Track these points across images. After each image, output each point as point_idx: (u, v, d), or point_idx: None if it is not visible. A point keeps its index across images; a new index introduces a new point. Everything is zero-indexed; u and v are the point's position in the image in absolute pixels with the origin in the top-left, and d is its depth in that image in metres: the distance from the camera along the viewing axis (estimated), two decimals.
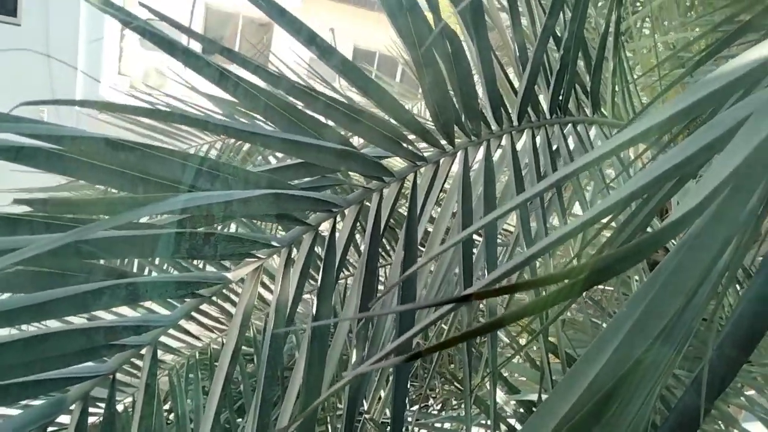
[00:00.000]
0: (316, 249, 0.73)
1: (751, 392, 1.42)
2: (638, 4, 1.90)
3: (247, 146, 2.25)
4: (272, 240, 0.59)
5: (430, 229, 0.84)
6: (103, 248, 0.40)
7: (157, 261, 1.63)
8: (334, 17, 8.99)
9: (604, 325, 1.32)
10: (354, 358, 0.70)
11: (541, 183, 0.31)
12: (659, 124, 0.32)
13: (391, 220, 0.75)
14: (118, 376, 0.56)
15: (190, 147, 2.37)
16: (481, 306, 0.97)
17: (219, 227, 0.49)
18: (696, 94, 0.34)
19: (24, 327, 0.43)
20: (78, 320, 0.47)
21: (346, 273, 1.78)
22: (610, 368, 0.29)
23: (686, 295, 0.31)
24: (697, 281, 0.30)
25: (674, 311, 0.30)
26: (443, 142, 0.77)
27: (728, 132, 0.33)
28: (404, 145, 0.69)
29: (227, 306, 1.80)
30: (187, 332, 1.76)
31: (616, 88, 1.11)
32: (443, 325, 1.02)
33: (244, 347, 1.83)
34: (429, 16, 0.67)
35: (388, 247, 1.88)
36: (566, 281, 0.20)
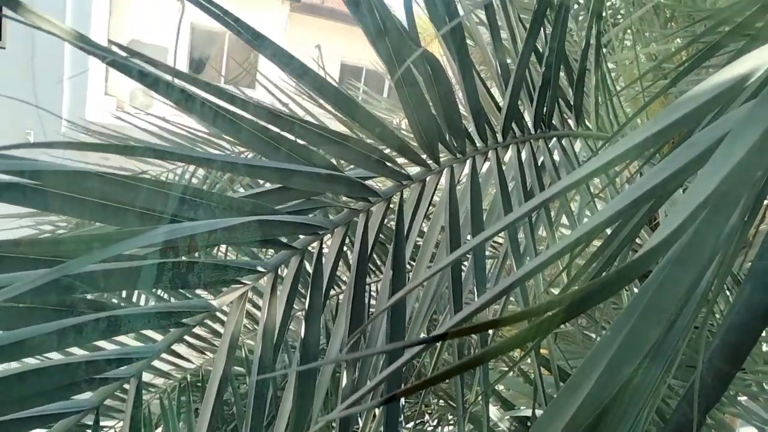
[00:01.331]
0: (305, 266, 0.73)
1: (743, 398, 1.42)
2: (619, 16, 1.92)
3: None
4: (258, 265, 0.58)
5: (420, 243, 0.84)
6: (84, 282, 0.39)
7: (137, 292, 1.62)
8: (321, 34, 9.05)
9: (594, 336, 1.32)
10: (345, 380, 0.70)
11: (528, 204, 0.31)
12: (634, 147, 0.32)
13: (380, 236, 0.75)
14: (106, 402, 0.55)
15: (177, 167, 2.36)
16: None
17: (201, 255, 0.49)
18: (672, 115, 0.34)
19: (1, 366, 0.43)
20: (57, 355, 0.46)
21: (337, 290, 1.77)
22: (597, 393, 0.28)
23: (670, 317, 0.31)
24: (680, 302, 0.30)
25: (658, 333, 0.30)
26: (428, 160, 0.77)
27: (706, 151, 0.34)
28: (389, 165, 0.69)
29: (217, 327, 1.78)
30: (178, 355, 1.74)
31: (600, 101, 1.12)
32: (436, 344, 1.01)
33: (236, 368, 1.81)
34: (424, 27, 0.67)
35: (379, 262, 1.87)
36: (547, 314, 0.20)
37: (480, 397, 0.71)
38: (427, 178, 0.79)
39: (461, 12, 0.87)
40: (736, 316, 0.61)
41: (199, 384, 1.69)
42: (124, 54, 0.39)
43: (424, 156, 0.77)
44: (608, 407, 0.29)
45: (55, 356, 0.46)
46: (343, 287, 1.78)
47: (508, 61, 0.95)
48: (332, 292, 1.72)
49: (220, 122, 0.47)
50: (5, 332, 0.38)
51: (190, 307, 0.52)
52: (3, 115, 6.17)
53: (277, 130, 0.51)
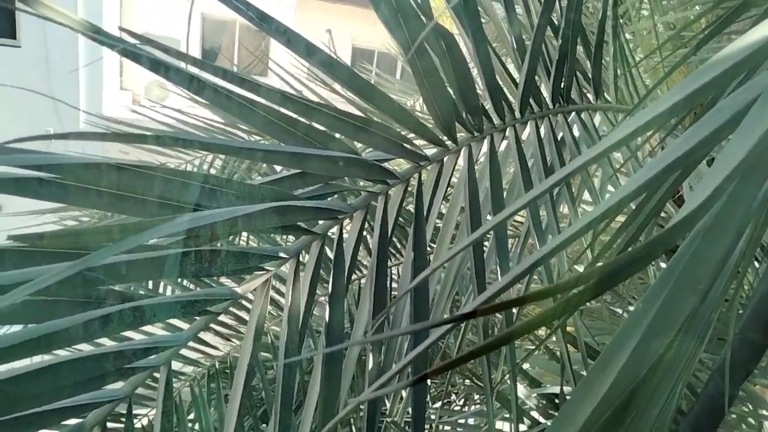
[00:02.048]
0: (326, 251, 0.73)
1: None
2: None
3: None
4: (279, 251, 0.59)
5: (440, 225, 0.83)
6: (109, 273, 0.40)
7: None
8: (331, 18, 8.98)
9: (621, 311, 1.30)
10: (371, 363, 0.70)
11: (549, 179, 0.31)
12: (660, 115, 0.31)
13: (400, 219, 0.74)
14: (137, 390, 0.56)
15: (194, 158, 2.37)
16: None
17: (223, 244, 0.49)
18: (698, 81, 0.33)
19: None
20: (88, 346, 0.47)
21: (359, 274, 1.77)
22: (630, 368, 0.28)
23: (702, 289, 0.30)
24: (713, 274, 0.29)
25: (691, 306, 0.29)
26: (445, 140, 0.76)
27: (734, 116, 0.32)
28: (406, 146, 0.68)
29: (242, 314, 1.80)
30: (205, 343, 1.76)
31: (618, 73, 1.10)
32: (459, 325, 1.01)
33: (263, 353, 1.83)
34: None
35: (399, 246, 1.87)
36: (574, 290, 0.20)
37: (507, 376, 0.71)
38: (445, 158, 0.78)
39: None
40: (767, 287, 0.59)
41: (227, 371, 1.72)
42: (135, 42, 0.39)
43: (441, 136, 0.76)
44: (641, 383, 0.28)
45: (85, 348, 0.46)
46: (365, 271, 1.79)
47: (523, 35, 0.94)
48: (353, 277, 1.72)
49: (234, 107, 0.46)
50: (34, 325, 0.38)
51: (215, 295, 0.52)
52: (23, 114, 6.27)
53: (292, 114, 0.51)
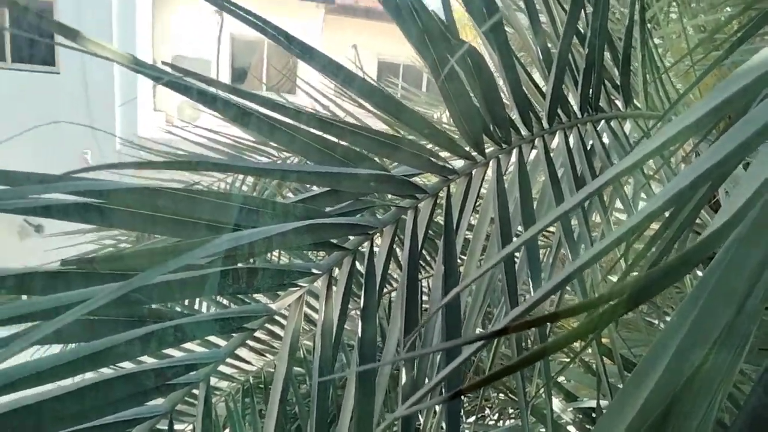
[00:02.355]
0: (357, 266, 0.74)
1: None
2: None
3: None
4: (312, 268, 0.60)
5: (470, 236, 0.83)
6: (151, 294, 0.41)
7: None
8: (357, 33, 9.09)
9: (657, 322, 1.27)
10: (404, 378, 0.70)
11: (579, 194, 0.31)
12: (687, 128, 0.31)
13: (430, 231, 0.75)
14: (177, 406, 0.58)
15: (227, 176, 2.42)
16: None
17: (257, 261, 0.51)
18: (728, 90, 0.33)
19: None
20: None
21: (389, 288, 1.77)
22: (666, 381, 0.28)
23: (738, 300, 0.30)
24: (749, 284, 0.29)
25: (727, 317, 0.29)
26: (474, 153, 0.77)
27: (766, 126, 0.32)
28: (435, 161, 0.69)
29: (276, 329, 1.82)
30: (240, 358, 1.79)
31: (648, 78, 1.08)
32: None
33: (296, 368, 1.84)
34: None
35: (429, 258, 1.87)
36: (608, 304, 0.20)
37: (542, 390, 0.70)
38: (473, 171, 0.78)
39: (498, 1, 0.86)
40: None
41: (261, 386, 1.74)
42: (178, 74, 0.41)
43: (469, 149, 0.76)
44: (678, 395, 0.28)
45: (125, 364, 0.48)
46: (396, 285, 1.79)
47: (549, 44, 0.94)
48: (385, 290, 1.73)
49: (277, 134, 0.48)
50: (85, 344, 0.40)
51: (251, 312, 0.53)
52: (64, 135, 6.52)
53: (331, 137, 0.52)
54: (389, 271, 0.72)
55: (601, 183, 0.30)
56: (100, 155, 6.28)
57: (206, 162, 0.41)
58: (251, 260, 0.49)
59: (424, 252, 1.78)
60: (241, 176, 2.41)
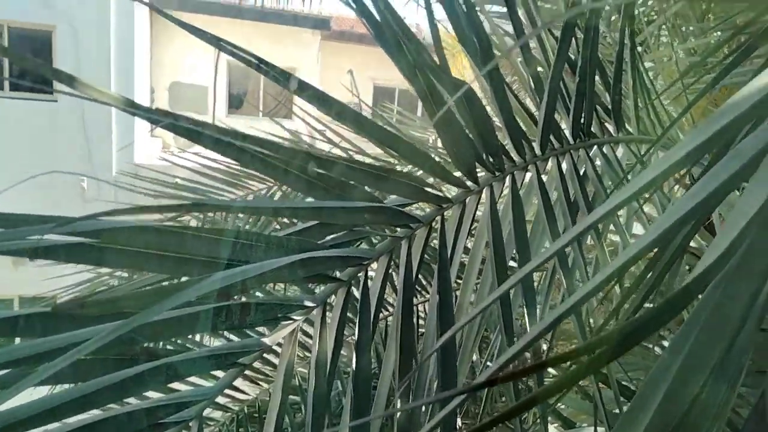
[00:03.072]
0: (353, 292, 0.73)
1: None
2: (653, 13, 1.88)
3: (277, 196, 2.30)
4: (306, 300, 0.60)
5: (465, 259, 0.83)
6: (144, 333, 0.41)
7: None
8: (352, 59, 9.19)
9: (652, 346, 1.27)
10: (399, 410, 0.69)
11: (571, 231, 0.31)
12: (678, 162, 0.31)
13: (426, 256, 0.75)
14: None
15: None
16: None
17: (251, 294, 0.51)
18: (714, 125, 0.34)
19: None
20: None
21: (386, 313, 1.76)
22: (663, 412, 0.28)
23: (732, 331, 0.30)
24: (738, 321, 0.29)
25: (722, 348, 0.29)
26: (467, 181, 0.77)
27: (752, 160, 0.33)
28: (428, 190, 0.69)
29: (270, 357, 1.80)
30: (234, 388, 1.76)
31: (639, 103, 1.09)
32: (488, 363, 1.00)
33: (291, 396, 1.82)
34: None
35: (424, 282, 1.86)
36: (596, 353, 0.20)
37: (539, 418, 0.70)
38: (467, 199, 0.79)
39: (487, 28, 0.87)
40: None
41: (256, 415, 1.71)
42: (169, 120, 0.41)
43: (462, 178, 0.77)
44: (677, 427, 0.28)
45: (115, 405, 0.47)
46: (392, 309, 1.78)
47: (539, 69, 0.95)
48: (381, 315, 1.72)
49: (270, 170, 0.48)
50: (75, 387, 0.40)
51: (244, 348, 0.53)
52: (61, 161, 6.54)
53: (323, 171, 0.53)
54: (385, 295, 0.72)
55: (592, 221, 0.31)
56: (97, 186, 6.30)
57: (200, 204, 0.41)
58: (242, 296, 0.49)
59: (420, 277, 1.77)
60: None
